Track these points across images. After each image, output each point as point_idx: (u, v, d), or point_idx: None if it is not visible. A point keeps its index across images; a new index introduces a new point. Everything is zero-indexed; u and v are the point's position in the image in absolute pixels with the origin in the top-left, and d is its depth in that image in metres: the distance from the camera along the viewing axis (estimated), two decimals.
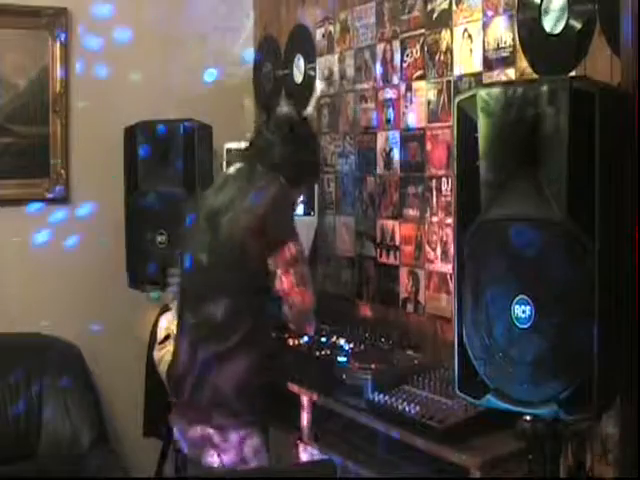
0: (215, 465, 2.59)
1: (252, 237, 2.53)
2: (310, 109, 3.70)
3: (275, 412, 2.90)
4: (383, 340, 2.85)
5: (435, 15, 2.95)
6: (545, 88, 1.79)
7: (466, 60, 2.81)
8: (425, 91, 3.01)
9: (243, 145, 3.57)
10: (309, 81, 3.73)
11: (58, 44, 3.67)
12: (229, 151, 3.65)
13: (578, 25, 2.39)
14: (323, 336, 2.89)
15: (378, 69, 3.26)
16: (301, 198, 2.97)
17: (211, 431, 2.58)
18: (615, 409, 1.95)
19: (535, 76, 2.54)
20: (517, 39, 2.60)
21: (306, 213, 3.42)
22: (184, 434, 2.71)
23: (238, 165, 2.77)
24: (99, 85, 3.74)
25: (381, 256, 3.25)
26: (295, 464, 2.72)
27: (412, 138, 3.07)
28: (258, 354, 2.61)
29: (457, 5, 2.85)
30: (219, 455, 2.58)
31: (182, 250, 2.79)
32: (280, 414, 2.88)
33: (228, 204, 2.61)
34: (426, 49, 3.00)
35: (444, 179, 2.91)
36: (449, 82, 2.89)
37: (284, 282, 2.55)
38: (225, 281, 2.58)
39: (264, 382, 2.63)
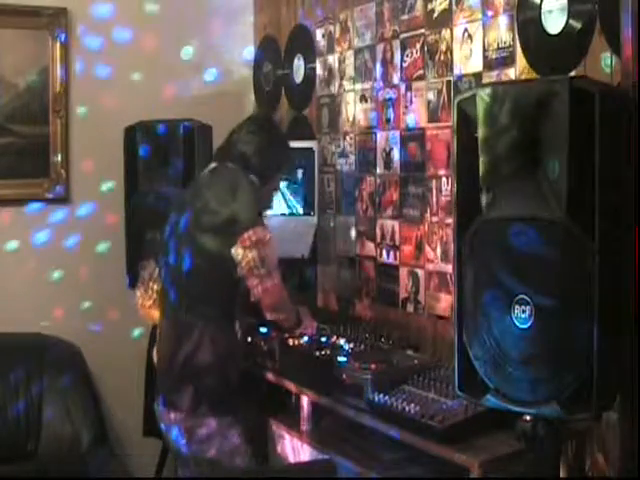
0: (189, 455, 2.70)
1: (217, 235, 2.64)
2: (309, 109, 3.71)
3: (275, 411, 2.91)
4: (383, 340, 2.85)
5: (435, 15, 2.95)
6: (545, 88, 1.79)
7: (466, 60, 2.81)
8: (425, 91, 3.01)
9: None
10: (309, 81, 3.73)
11: (58, 44, 3.67)
12: None
13: (578, 25, 2.39)
14: (323, 336, 2.89)
15: (378, 69, 3.26)
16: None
17: (185, 415, 2.68)
18: (615, 409, 1.95)
19: (535, 76, 2.54)
20: (517, 39, 2.60)
21: (306, 213, 3.43)
22: (165, 424, 2.78)
23: (212, 165, 2.88)
24: (99, 85, 3.74)
25: (381, 256, 3.25)
26: (295, 464, 2.72)
27: (412, 138, 3.07)
28: (231, 342, 2.73)
29: (457, 5, 2.85)
30: (190, 442, 2.68)
31: (161, 251, 2.88)
32: (280, 414, 2.88)
33: (198, 204, 2.72)
34: (426, 49, 3.00)
35: (444, 179, 2.91)
36: (449, 82, 2.89)
37: (243, 267, 2.62)
38: (197, 279, 2.69)
39: (238, 374, 2.72)
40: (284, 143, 2.96)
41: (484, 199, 1.90)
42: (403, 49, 3.12)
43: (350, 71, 3.44)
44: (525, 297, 1.82)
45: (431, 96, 2.98)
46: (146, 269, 3.05)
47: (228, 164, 2.80)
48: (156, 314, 2.98)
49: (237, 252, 2.61)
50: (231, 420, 2.69)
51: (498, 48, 2.68)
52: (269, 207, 3.01)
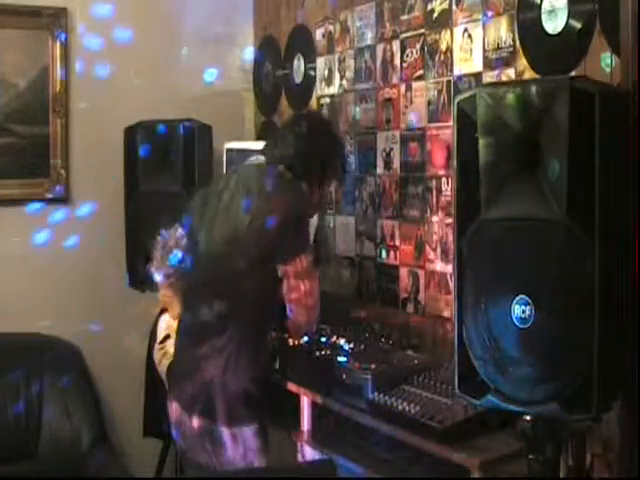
0: (207, 463, 2.56)
1: (261, 241, 2.47)
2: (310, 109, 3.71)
3: (275, 412, 2.90)
4: (383, 340, 2.85)
5: (435, 15, 2.95)
6: (545, 88, 1.79)
7: (466, 60, 2.81)
8: (425, 91, 3.01)
9: (243, 145, 3.59)
10: (309, 81, 3.73)
11: (58, 44, 3.67)
12: (229, 151, 3.64)
13: (578, 25, 2.39)
14: (323, 336, 2.89)
15: (378, 69, 3.26)
16: (318, 202, 2.78)
17: (209, 425, 2.53)
18: (615, 409, 1.95)
19: (535, 76, 2.54)
20: (517, 39, 2.60)
21: None
22: (181, 429, 2.69)
23: (255, 160, 2.68)
24: (99, 85, 3.74)
25: (381, 256, 3.25)
26: (295, 464, 2.72)
27: (412, 138, 3.07)
28: (257, 353, 2.57)
29: (457, 5, 2.85)
30: (213, 452, 2.54)
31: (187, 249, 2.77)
32: (280, 414, 2.88)
33: (240, 204, 2.53)
34: (426, 49, 3.00)
35: (444, 179, 2.91)
36: (449, 82, 2.89)
37: (292, 295, 2.52)
38: (228, 282, 2.54)
39: (264, 381, 2.60)
40: (332, 143, 2.76)
41: (484, 199, 1.90)
42: (403, 49, 3.12)
43: (350, 71, 3.44)
44: (525, 297, 1.82)
45: (431, 96, 2.98)
46: (170, 234, 2.86)
47: (276, 167, 2.59)
48: (170, 297, 2.92)
49: (286, 277, 2.50)
50: (256, 433, 2.54)
51: (498, 48, 2.68)
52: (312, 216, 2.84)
